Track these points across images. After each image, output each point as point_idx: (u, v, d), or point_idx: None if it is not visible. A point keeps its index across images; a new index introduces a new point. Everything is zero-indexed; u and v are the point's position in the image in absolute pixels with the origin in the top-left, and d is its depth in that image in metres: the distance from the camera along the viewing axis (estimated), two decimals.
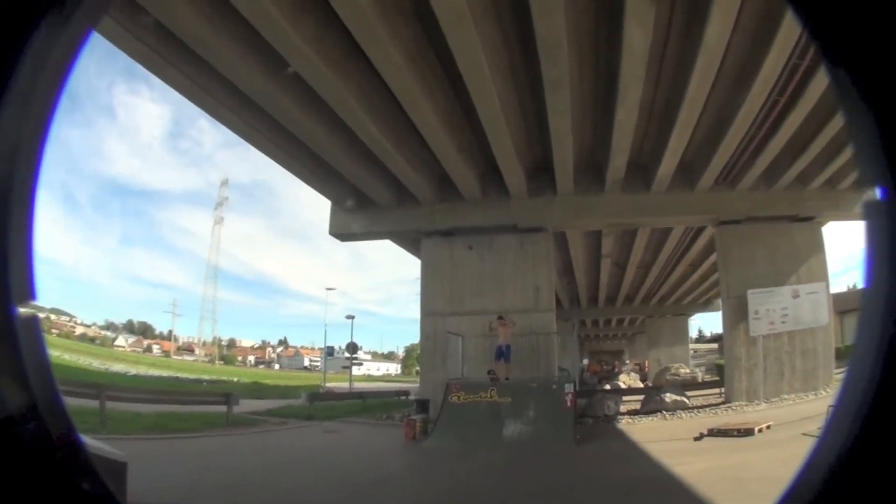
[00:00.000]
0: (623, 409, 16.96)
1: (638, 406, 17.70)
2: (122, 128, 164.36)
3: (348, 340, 37.99)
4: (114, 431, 11.89)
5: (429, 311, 17.55)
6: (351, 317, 38.54)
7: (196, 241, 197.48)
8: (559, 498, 7.55)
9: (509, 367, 14.80)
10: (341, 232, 18.69)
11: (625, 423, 15.03)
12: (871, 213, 0.74)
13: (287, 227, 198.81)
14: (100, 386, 14.51)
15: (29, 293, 0.78)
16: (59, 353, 45.75)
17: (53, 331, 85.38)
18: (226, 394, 18.18)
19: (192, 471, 9.39)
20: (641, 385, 30.61)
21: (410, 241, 20.74)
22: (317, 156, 15.07)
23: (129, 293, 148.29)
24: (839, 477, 0.70)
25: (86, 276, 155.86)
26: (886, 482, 0.68)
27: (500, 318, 15.29)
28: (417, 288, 18.40)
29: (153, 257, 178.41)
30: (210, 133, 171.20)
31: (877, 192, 0.72)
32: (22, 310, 0.76)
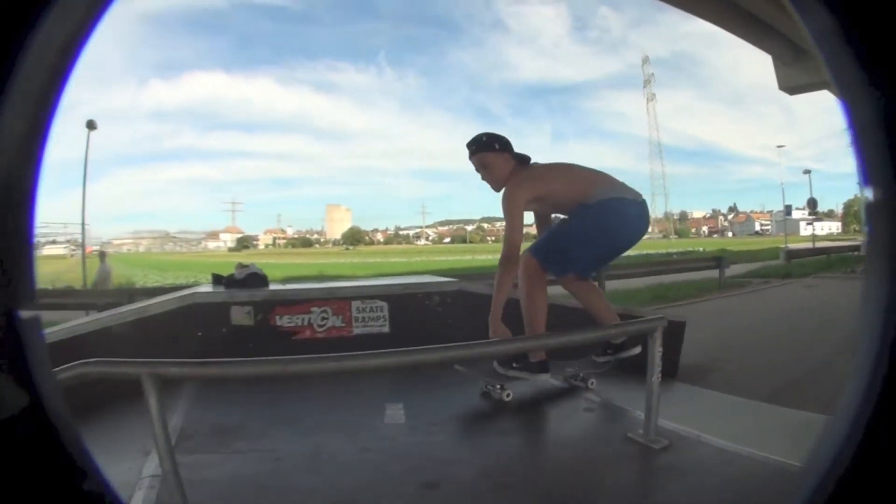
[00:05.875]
0: None
1: None
2: (518, 37, 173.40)
3: (800, 199, 34.60)
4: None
5: None
6: (808, 171, 34.36)
7: (629, 123, 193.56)
8: None
9: None
10: (788, 86, 17.97)
11: None
12: (871, 213, 0.72)
13: (718, 92, 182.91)
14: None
15: (30, 293, 0.77)
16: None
17: (489, 238, 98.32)
18: (717, 258, 18.17)
19: (714, 330, 9.55)
20: None
21: None
22: (750, 14, 14.86)
23: None
24: (840, 479, 0.69)
25: None
26: (888, 486, 0.67)
27: None
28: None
29: (590, 146, 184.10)
30: (613, 18, 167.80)
31: (877, 192, 0.71)
32: (23, 309, 0.75)
